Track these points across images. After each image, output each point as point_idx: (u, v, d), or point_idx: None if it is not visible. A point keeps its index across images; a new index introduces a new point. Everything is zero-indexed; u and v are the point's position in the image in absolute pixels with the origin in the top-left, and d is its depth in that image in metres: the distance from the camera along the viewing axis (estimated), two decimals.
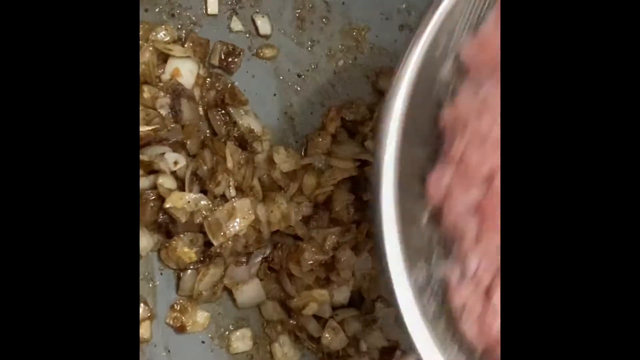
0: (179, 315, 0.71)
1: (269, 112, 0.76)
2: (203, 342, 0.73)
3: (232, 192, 0.68)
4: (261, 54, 0.76)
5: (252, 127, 0.72)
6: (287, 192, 0.73)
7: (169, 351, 0.71)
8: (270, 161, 0.72)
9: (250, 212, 0.68)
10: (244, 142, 0.72)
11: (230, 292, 0.72)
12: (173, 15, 0.73)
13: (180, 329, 0.71)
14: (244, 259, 0.71)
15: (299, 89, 0.78)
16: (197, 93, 0.72)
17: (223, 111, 0.72)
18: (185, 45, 0.71)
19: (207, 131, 0.72)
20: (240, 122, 0.72)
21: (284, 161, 0.73)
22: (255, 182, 0.71)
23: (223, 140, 0.70)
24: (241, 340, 0.72)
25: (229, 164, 0.68)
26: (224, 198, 0.69)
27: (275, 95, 0.77)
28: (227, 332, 0.73)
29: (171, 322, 0.71)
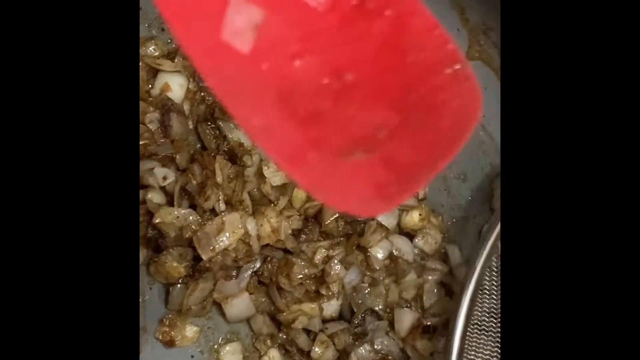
0: (167, 330, 0.71)
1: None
2: (192, 356, 0.72)
3: (222, 206, 0.68)
4: None
5: (242, 141, 0.72)
6: (277, 205, 0.73)
7: None
8: (260, 175, 0.72)
9: (239, 226, 0.68)
10: (233, 156, 0.72)
11: (219, 307, 0.72)
12: (163, 29, 0.73)
13: (169, 344, 0.71)
14: (233, 273, 0.71)
15: None
16: (186, 107, 0.72)
17: (213, 125, 0.72)
18: (175, 60, 0.71)
19: (198, 145, 0.73)
20: (230, 135, 0.72)
21: (274, 175, 0.73)
22: (245, 196, 0.71)
23: (213, 154, 0.70)
24: (231, 355, 0.73)
25: (218, 178, 0.68)
26: (213, 212, 0.69)
27: None
28: (216, 346, 0.73)
29: (160, 337, 0.71)
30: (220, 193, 0.68)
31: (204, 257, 0.68)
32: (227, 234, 0.68)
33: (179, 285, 0.70)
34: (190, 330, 0.72)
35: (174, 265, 0.68)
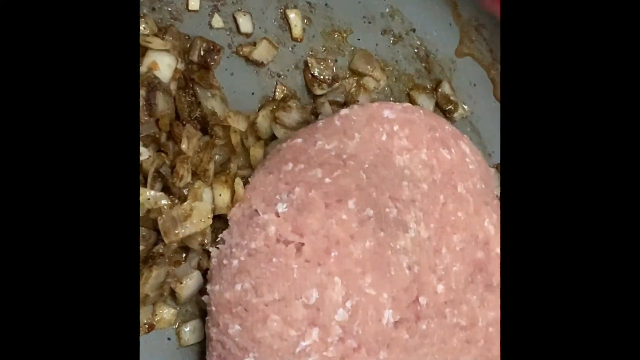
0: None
1: (246, 111, 0.76)
2: (169, 338, 0.72)
3: (188, 177, 0.67)
4: (241, 52, 0.75)
5: (215, 110, 0.71)
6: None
7: None
8: (231, 149, 0.72)
9: (209, 217, 0.67)
10: (205, 125, 0.70)
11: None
12: (154, 9, 0.73)
13: (149, 328, 0.70)
14: (183, 255, 0.70)
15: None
16: (173, 87, 0.71)
17: (191, 91, 0.71)
18: (165, 39, 0.71)
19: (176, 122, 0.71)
20: (205, 103, 0.71)
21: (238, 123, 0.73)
22: (210, 166, 0.70)
23: (183, 122, 0.69)
24: (191, 333, 0.72)
25: (184, 146, 0.67)
26: (183, 199, 0.68)
27: (253, 93, 0.76)
28: (176, 327, 0.72)
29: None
30: (187, 164, 0.67)
31: (166, 241, 0.67)
32: (194, 221, 0.67)
33: None
34: (168, 313, 0.71)
35: None
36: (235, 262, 0.66)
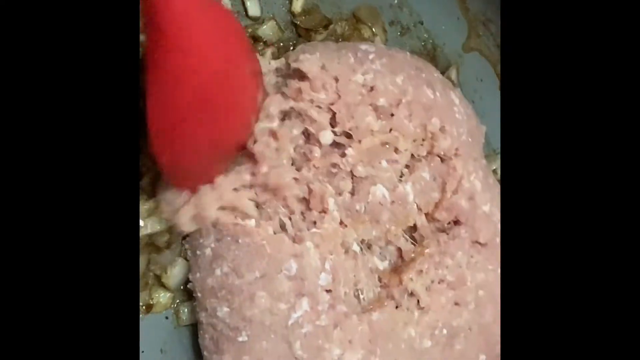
0: None
1: None
2: (167, 317, 0.71)
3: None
4: (247, 34, 0.76)
5: None
6: None
7: None
8: None
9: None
10: None
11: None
12: None
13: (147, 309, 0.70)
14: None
15: None
16: None
17: None
18: None
19: None
20: None
21: None
22: None
23: None
24: (189, 313, 0.71)
25: None
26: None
27: None
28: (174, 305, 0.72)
29: None
30: None
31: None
32: (160, 219, 0.67)
33: None
34: (164, 297, 0.71)
35: None
36: (207, 251, 0.65)
